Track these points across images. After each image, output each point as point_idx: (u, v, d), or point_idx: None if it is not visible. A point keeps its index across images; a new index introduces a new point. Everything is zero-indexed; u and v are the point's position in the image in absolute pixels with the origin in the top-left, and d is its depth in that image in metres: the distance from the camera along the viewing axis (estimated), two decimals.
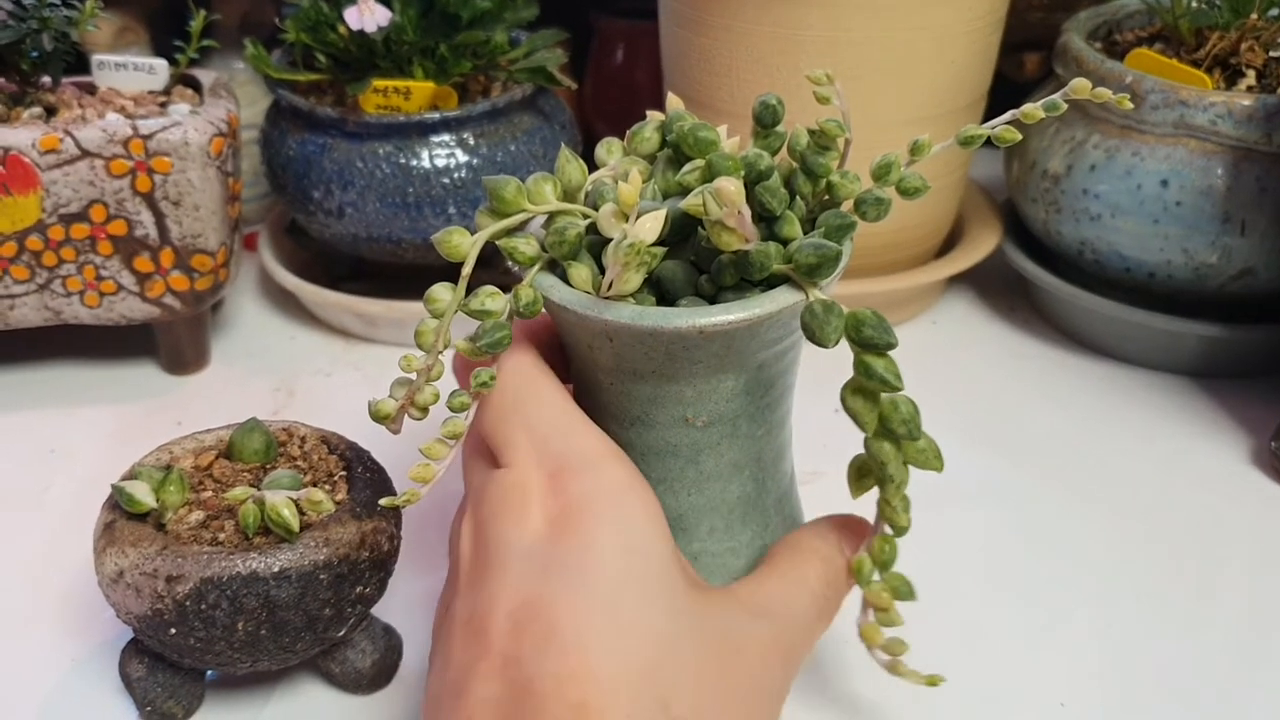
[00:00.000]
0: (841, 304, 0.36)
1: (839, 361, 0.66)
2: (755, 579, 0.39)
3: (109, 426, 0.60)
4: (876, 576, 0.39)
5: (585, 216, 0.38)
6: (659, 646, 0.33)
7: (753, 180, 0.37)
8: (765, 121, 0.40)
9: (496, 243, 0.38)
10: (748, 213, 0.35)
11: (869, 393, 0.37)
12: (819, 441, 0.58)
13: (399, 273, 0.67)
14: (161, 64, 0.62)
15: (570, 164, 0.38)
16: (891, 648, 0.40)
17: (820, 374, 0.63)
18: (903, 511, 0.38)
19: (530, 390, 0.37)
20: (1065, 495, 0.55)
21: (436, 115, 0.61)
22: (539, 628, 0.33)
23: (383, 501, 0.39)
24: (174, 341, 0.63)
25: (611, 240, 0.35)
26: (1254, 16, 0.59)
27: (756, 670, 0.36)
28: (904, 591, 0.39)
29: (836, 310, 0.36)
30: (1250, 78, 0.60)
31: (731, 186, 0.34)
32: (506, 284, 0.38)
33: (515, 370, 0.38)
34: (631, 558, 0.34)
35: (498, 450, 0.37)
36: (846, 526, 0.41)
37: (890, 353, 0.36)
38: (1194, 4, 0.61)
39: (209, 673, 0.44)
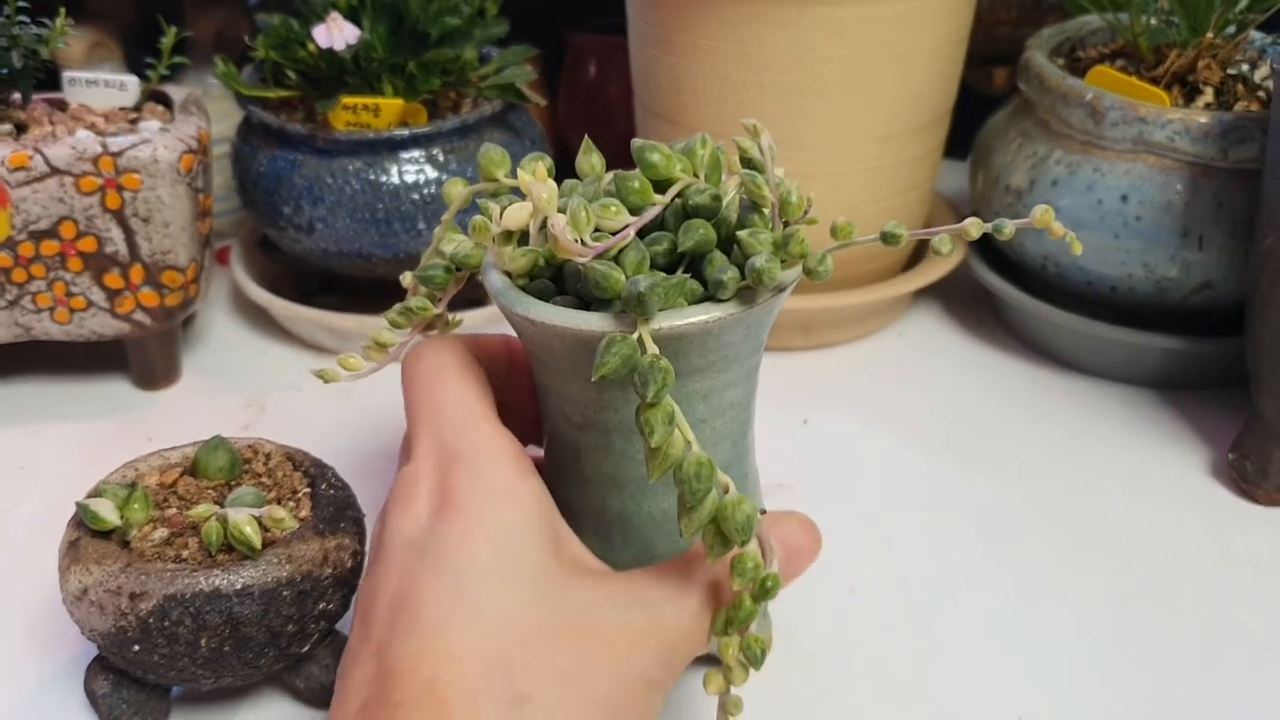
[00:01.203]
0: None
1: (808, 374, 0.67)
2: (656, 570, 0.39)
3: (79, 443, 0.60)
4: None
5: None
6: (514, 629, 0.35)
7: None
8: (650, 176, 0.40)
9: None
10: (559, 221, 0.36)
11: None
12: (785, 453, 0.59)
13: (370, 287, 0.68)
14: (132, 80, 0.62)
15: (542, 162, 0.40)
16: (729, 705, 0.38)
17: (787, 385, 0.64)
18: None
19: (441, 390, 0.40)
20: (1029, 506, 0.56)
21: (406, 132, 0.62)
22: (408, 613, 0.35)
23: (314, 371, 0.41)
24: (145, 357, 0.63)
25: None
26: (1210, 35, 0.60)
27: (625, 655, 0.36)
28: (753, 657, 0.37)
29: (626, 346, 0.35)
30: (1208, 95, 0.61)
31: (544, 194, 0.36)
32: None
33: (432, 370, 0.41)
34: (498, 549, 0.36)
35: (410, 447, 0.40)
36: (790, 526, 0.42)
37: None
38: (1153, 22, 0.62)
39: (174, 689, 0.44)
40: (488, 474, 0.38)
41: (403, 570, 0.37)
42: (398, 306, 0.43)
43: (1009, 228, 0.38)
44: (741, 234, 0.37)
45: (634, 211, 0.39)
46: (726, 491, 0.36)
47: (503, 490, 0.38)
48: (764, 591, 0.37)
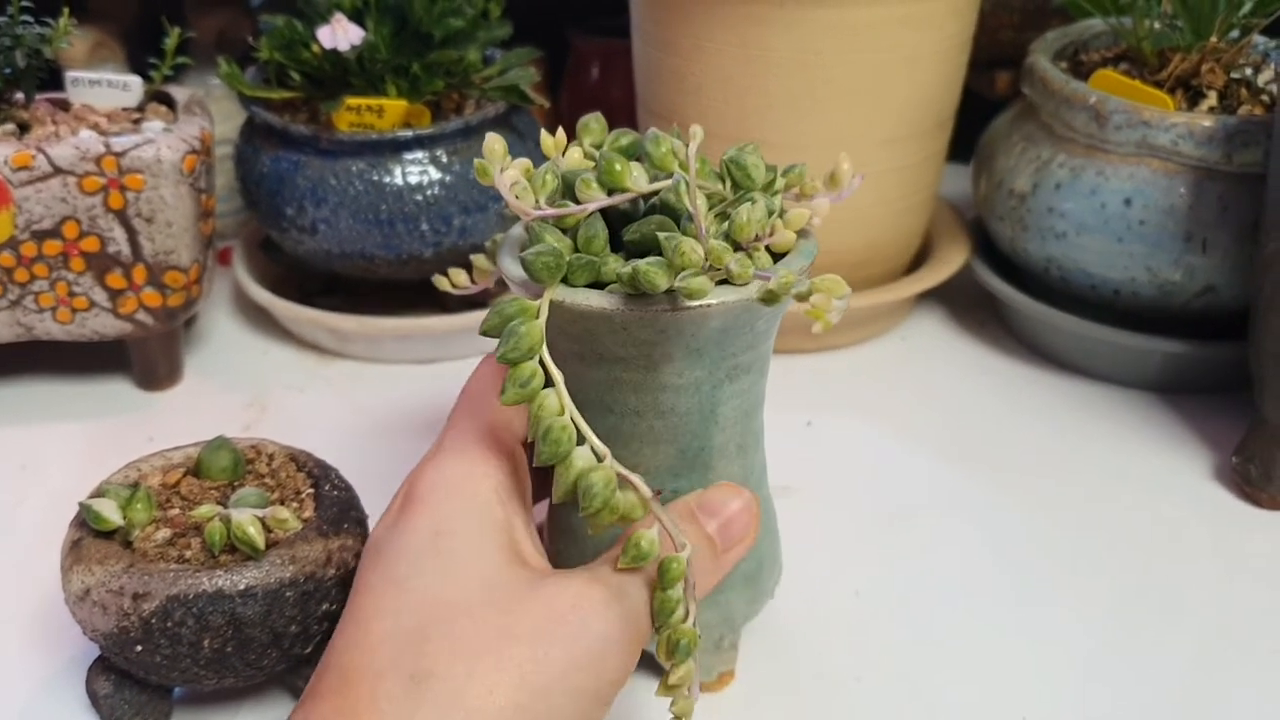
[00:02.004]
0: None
1: (812, 376, 0.67)
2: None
3: (81, 443, 0.60)
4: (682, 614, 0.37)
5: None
6: (437, 609, 0.35)
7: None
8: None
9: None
10: (507, 178, 0.38)
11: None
12: (789, 455, 0.58)
13: (372, 288, 0.68)
14: (135, 80, 0.62)
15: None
16: (675, 709, 0.37)
17: (791, 387, 0.64)
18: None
19: (465, 401, 0.41)
20: (1032, 509, 0.56)
21: (409, 133, 0.62)
22: (350, 608, 0.37)
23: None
24: (147, 357, 0.63)
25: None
26: (1214, 39, 0.60)
27: (552, 631, 0.35)
28: (674, 648, 0.36)
29: (513, 310, 0.36)
30: (1211, 99, 0.61)
31: (498, 145, 0.38)
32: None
33: (476, 382, 0.42)
34: (439, 538, 0.37)
35: None
36: (711, 494, 0.40)
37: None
38: (1156, 26, 0.62)
39: (176, 689, 0.44)
40: (448, 468, 0.39)
41: (361, 569, 0.38)
42: (496, 236, 0.44)
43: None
44: (661, 235, 0.37)
45: (610, 192, 0.39)
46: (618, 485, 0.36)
47: (457, 482, 0.39)
48: (666, 578, 0.36)
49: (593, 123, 0.43)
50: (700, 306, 0.37)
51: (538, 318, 0.36)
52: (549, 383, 0.36)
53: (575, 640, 0.35)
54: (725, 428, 0.41)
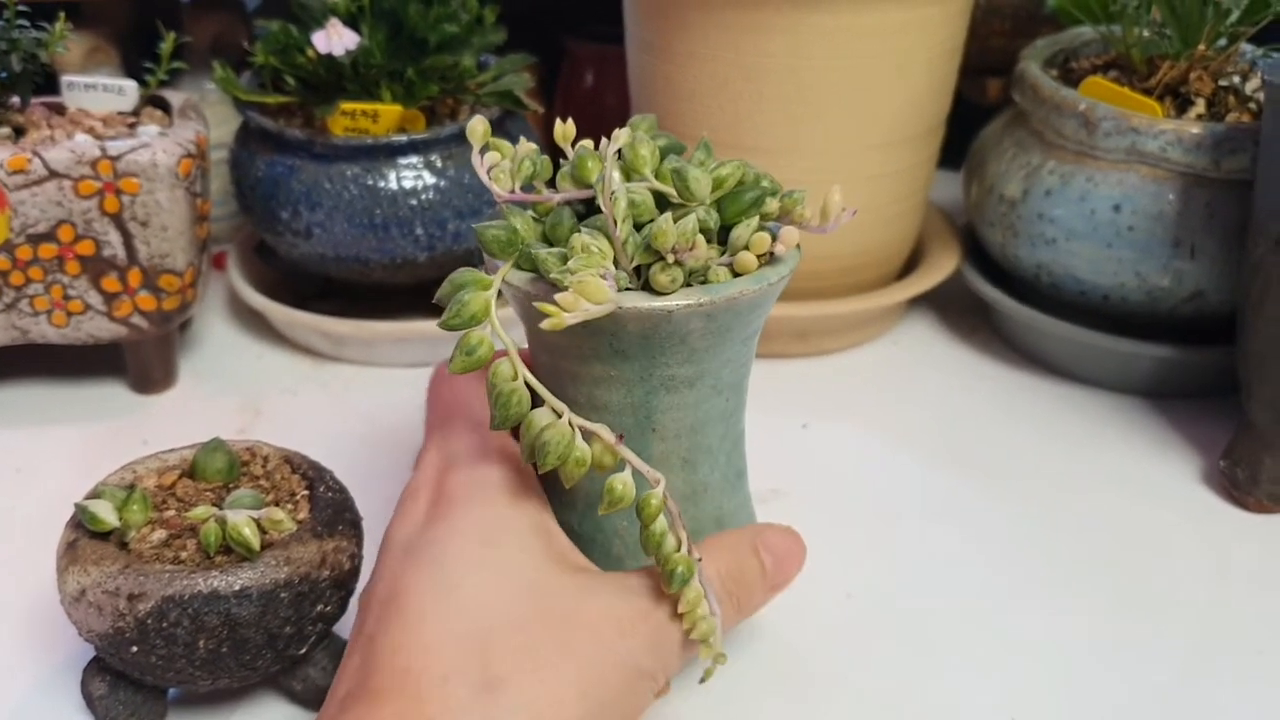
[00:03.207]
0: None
1: (804, 380, 0.67)
2: (650, 567, 0.40)
3: (75, 446, 0.60)
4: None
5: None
6: (493, 616, 0.36)
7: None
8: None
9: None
10: (486, 159, 0.39)
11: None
12: (781, 459, 0.59)
13: (366, 293, 0.68)
14: (131, 85, 0.62)
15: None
16: (700, 629, 0.39)
17: (782, 391, 0.65)
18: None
19: (453, 402, 0.42)
20: (1021, 512, 0.56)
21: (404, 138, 0.62)
22: (394, 607, 0.37)
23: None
24: (141, 361, 0.63)
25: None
26: (1203, 47, 0.61)
27: (610, 642, 0.37)
28: (669, 578, 0.38)
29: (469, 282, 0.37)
30: (1200, 106, 0.61)
31: (480, 127, 0.40)
32: None
33: (450, 384, 0.43)
34: (484, 542, 0.37)
35: (420, 457, 0.42)
36: (775, 535, 0.43)
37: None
38: (1146, 34, 0.63)
39: (171, 690, 0.44)
40: (481, 472, 0.39)
41: (396, 571, 0.38)
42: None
43: None
44: (581, 229, 0.38)
45: (583, 185, 0.40)
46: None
47: (494, 487, 0.39)
48: (645, 514, 0.37)
49: (641, 123, 0.43)
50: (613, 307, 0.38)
51: (488, 290, 0.37)
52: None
53: (624, 665, 0.37)
54: (666, 439, 0.41)
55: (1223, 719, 0.45)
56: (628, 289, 0.38)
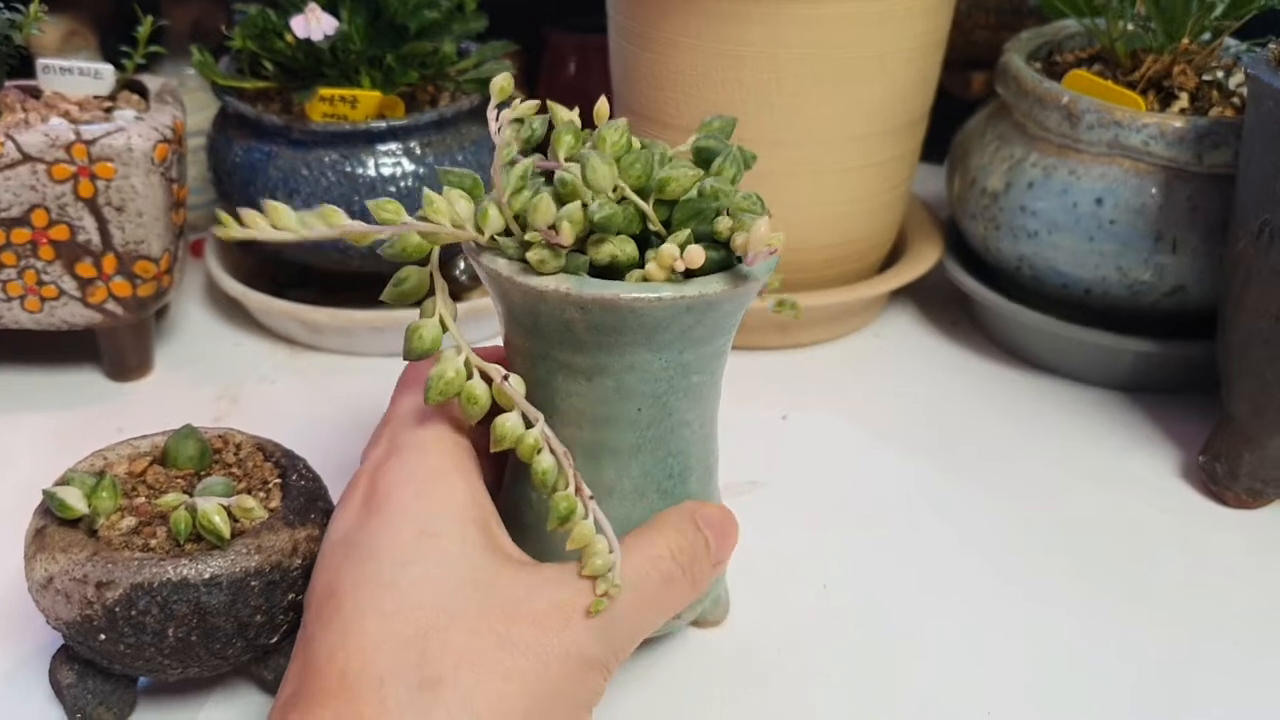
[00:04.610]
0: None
1: (784, 373, 0.67)
2: None
3: (49, 432, 0.59)
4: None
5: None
6: (430, 614, 0.35)
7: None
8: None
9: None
10: (504, 118, 0.39)
11: None
12: (760, 451, 0.59)
13: (345, 281, 0.67)
14: (107, 69, 0.61)
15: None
16: (591, 566, 0.38)
17: (762, 383, 0.64)
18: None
19: (406, 395, 0.42)
20: (1000, 506, 0.56)
21: (383, 124, 0.61)
22: (330, 605, 0.36)
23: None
24: (117, 347, 0.62)
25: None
26: (1186, 41, 0.61)
27: (555, 632, 0.36)
28: (559, 512, 0.38)
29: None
30: (1183, 100, 0.61)
31: (504, 83, 0.40)
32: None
33: (410, 378, 0.43)
34: (419, 536, 0.37)
35: (368, 449, 0.42)
36: (712, 511, 0.42)
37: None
38: (1130, 27, 0.63)
39: (140, 679, 0.44)
40: (416, 464, 0.39)
41: (332, 566, 0.38)
42: None
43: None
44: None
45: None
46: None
47: (430, 479, 0.39)
48: (524, 450, 0.38)
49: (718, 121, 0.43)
50: (488, 269, 0.39)
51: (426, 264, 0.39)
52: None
53: (568, 655, 0.36)
54: (568, 424, 0.41)
55: (1200, 712, 0.45)
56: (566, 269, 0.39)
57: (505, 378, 0.39)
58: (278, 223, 0.36)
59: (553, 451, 0.38)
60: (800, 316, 0.46)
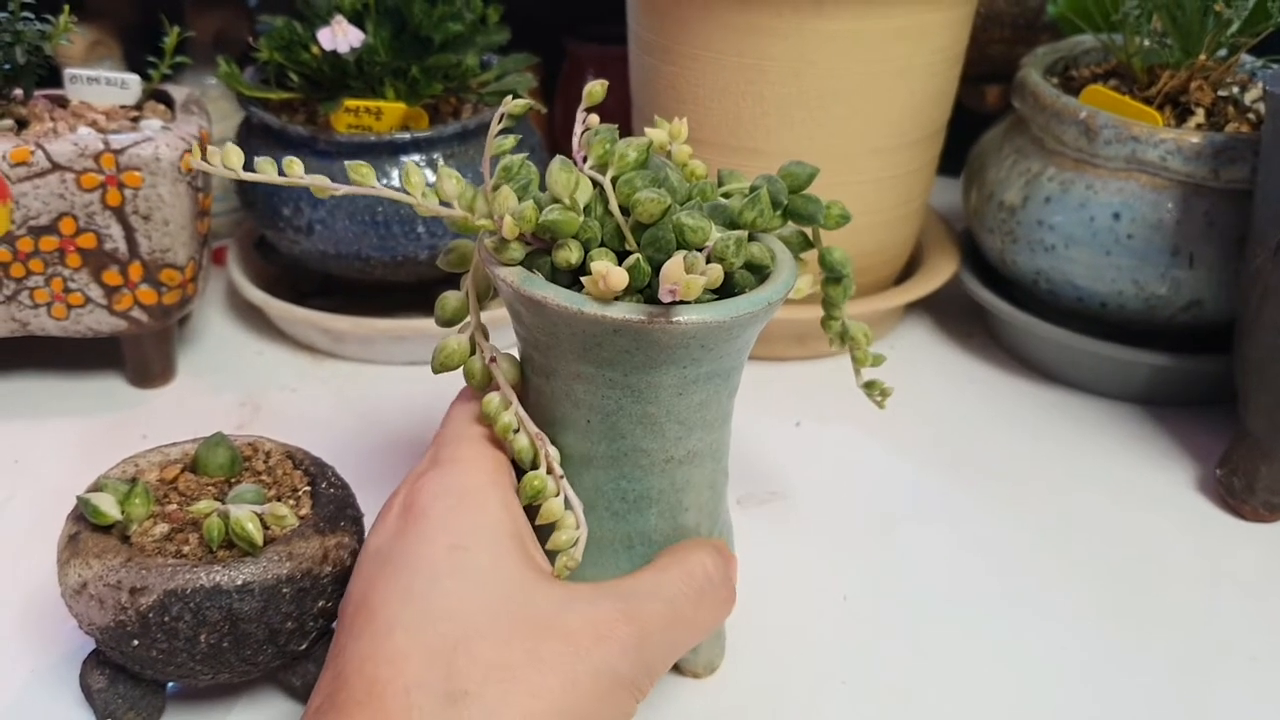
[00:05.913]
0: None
1: (801, 384, 0.67)
2: (632, 574, 0.40)
3: (74, 438, 0.60)
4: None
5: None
6: (461, 628, 0.36)
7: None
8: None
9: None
10: (589, 121, 0.41)
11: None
12: (777, 462, 0.59)
13: (367, 290, 0.68)
14: (134, 79, 0.62)
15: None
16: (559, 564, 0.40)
17: (779, 394, 0.65)
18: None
19: (453, 413, 0.43)
20: (1017, 518, 0.56)
21: (407, 135, 0.62)
22: (362, 616, 0.37)
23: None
24: (141, 355, 0.63)
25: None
26: (1203, 57, 0.61)
27: (585, 650, 0.36)
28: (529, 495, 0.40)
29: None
30: (1200, 116, 0.62)
31: (598, 89, 0.44)
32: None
33: (459, 400, 0.44)
34: (453, 551, 0.37)
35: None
36: (722, 546, 0.43)
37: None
38: (1146, 43, 0.63)
39: (170, 684, 0.44)
40: (453, 478, 0.39)
41: (366, 577, 0.38)
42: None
43: None
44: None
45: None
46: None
47: (465, 494, 0.39)
48: (501, 424, 0.40)
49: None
50: (482, 247, 0.40)
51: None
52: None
53: (599, 674, 0.36)
54: (538, 416, 0.41)
55: None
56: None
57: (492, 360, 0.42)
58: (227, 162, 0.40)
59: (528, 433, 0.40)
60: (884, 407, 0.49)
